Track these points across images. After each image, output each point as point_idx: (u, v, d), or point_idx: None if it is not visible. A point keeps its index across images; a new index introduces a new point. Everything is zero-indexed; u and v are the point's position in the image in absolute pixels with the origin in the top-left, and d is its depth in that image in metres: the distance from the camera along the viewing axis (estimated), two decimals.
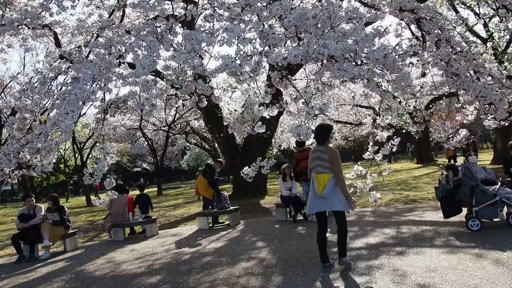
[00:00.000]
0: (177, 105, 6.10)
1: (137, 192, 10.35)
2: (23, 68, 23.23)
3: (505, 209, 5.81)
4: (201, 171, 9.96)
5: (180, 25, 4.83)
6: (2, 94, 22.65)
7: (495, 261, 4.39)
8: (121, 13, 5.98)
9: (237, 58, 3.84)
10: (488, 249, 4.83)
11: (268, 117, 5.90)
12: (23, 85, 5.23)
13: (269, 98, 5.52)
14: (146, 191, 11.81)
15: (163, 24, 4.66)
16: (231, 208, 9.21)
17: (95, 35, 5.39)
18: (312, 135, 4.71)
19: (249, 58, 3.91)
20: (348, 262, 4.69)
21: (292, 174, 8.76)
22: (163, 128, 28.15)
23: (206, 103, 6.13)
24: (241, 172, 6.96)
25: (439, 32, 5.25)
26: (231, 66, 3.74)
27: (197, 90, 5.13)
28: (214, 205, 9.24)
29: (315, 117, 3.87)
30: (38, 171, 5.09)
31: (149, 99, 4.80)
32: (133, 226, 9.26)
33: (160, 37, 4.42)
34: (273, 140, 16.61)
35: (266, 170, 7.16)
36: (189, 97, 6.45)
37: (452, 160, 19.68)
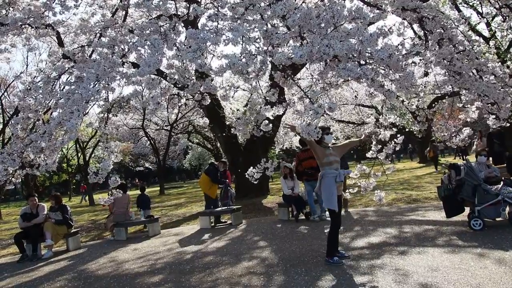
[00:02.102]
0: (179, 104, 6.10)
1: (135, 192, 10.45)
2: (26, 67, 23.19)
3: (508, 208, 5.80)
4: (205, 170, 10.02)
5: (182, 24, 4.83)
6: (6, 94, 22.73)
7: (498, 260, 4.39)
8: (124, 13, 5.99)
9: (242, 57, 3.83)
10: (491, 249, 4.83)
11: (271, 117, 5.90)
12: (27, 85, 5.24)
13: (275, 97, 5.53)
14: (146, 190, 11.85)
15: (166, 23, 4.66)
16: (233, 207, 9.23)
17: (98, 34, 5.40)
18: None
19: (254, 57, 3.91)
20: (326, 259, 4.94)
21: (294, 174, 8.75)
22: (165, 128, 28.18)
23: (209, 101, 6.13)
24: (245, 173, 6.93)
25: (442, 31, 5.24)
26: (237, 64, 3.74)
27: (202, 89, 5.14)
28: (219, 200, 9.28)
29: (322, 115, 3.89)
30: (42, 170, 5.10)
31: (154, 98, 4.81)
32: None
33: (163, 36, 4.43)
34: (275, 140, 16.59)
35: (271, 172, 7.13)
36: (191, 96, 6.44)
37: (434, 162, 19.45)
